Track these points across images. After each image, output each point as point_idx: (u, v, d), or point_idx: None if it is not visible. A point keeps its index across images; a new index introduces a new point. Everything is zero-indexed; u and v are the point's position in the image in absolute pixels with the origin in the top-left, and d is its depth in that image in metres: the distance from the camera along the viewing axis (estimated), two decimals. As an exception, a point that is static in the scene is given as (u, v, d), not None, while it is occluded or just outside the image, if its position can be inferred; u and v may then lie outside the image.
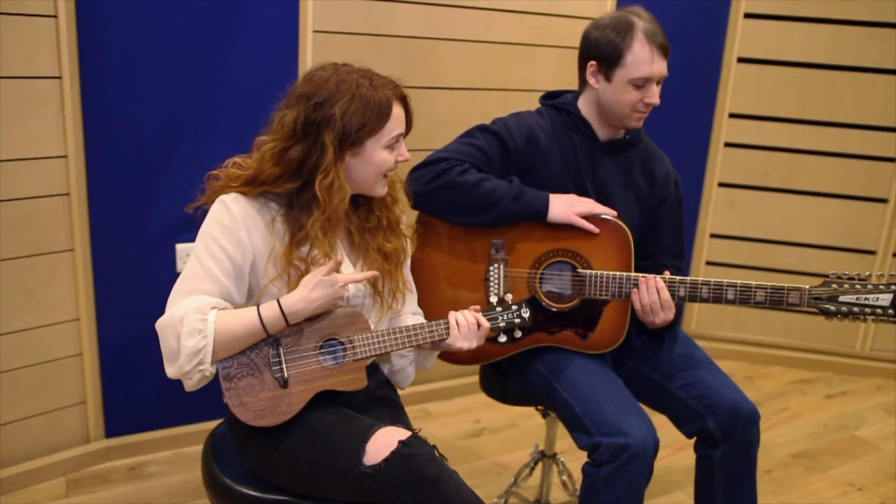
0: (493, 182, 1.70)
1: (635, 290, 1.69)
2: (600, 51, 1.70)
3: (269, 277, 1.44)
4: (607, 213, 1.72)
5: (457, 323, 1.53)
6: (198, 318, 1.34)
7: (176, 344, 1.34)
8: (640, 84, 1.68)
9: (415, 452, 1.33)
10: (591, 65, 1.73)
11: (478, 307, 1.58)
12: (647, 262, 1.85)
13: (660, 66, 1.67)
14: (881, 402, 3.12)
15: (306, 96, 1.41)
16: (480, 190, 1.69)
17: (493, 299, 1.69)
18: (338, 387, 1.44)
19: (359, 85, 1.41)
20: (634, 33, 1.66)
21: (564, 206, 1.71)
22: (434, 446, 1.39)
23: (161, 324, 1.37)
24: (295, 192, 1.45)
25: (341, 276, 1.44)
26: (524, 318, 1.61)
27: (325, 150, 1.39)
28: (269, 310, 1.38)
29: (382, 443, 1.35)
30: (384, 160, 1.46)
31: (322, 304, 1.41)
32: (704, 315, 3.44)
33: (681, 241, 1.91)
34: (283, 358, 1.41)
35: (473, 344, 1.55)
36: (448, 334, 1.53)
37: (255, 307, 1.39)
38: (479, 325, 1.54)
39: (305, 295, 1.39)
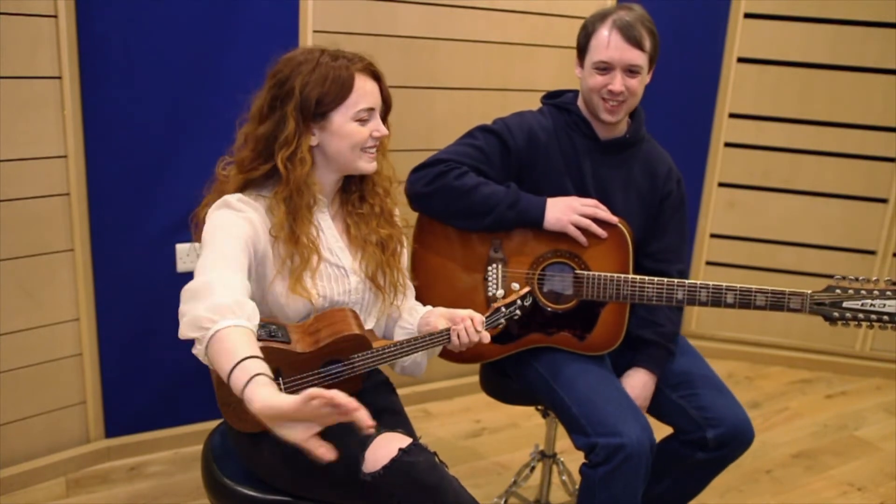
0: (490, 187, 1.70)
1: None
2: (579, 39, 1.75)
3: (269, 261, 1.41)
4: (611, 219, 1.71)
5: (458, 338, 1.51)
6: (206, 318, 1.20)
7: (182, 312, 1.23)
8: (602, 68, 1.69)
9: (415, 460, 1.32)
10: (576, 54, 1.77)
11: (483, 319, 1.54)
12: (650, 260, 1.84)
13: (620, 52, 1.66)
14: (881, 402, 3.12)
15: (272, 75, 1.44)
16: (477, 195, 1.69)
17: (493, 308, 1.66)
18: None
19: (319, 59, 1.42)
20: (606, 20, 1.68)
21: (561, 214, 1.70)
22: (434, 453, 1.37)
23: (185, 289, 1.25)
24: (270, 175, 1.45)
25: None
26: (525, 307, 1.63)
27: (286, 121, 1.40)
28: (237, 380, 1.15)
29: (382, 450, 1.33)
30: (353, 132, 1.44)
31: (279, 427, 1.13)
32: (704, 315, 3.43)
33: (683, 241, 1.90)
34: (282, 384, 1.38)
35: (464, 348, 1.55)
36: (448, 344, 1.53)
37: (249, 357, 1.17)
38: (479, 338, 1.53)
39: (278, 414, 1.10)
